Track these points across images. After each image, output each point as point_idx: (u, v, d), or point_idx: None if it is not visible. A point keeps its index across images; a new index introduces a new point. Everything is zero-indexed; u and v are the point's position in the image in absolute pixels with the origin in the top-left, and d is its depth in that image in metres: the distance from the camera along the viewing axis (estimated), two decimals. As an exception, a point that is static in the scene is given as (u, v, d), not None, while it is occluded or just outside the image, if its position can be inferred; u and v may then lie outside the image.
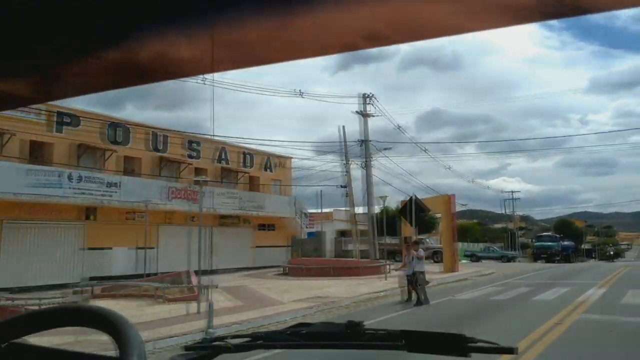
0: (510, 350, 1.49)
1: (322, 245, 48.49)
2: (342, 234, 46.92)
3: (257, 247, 31.55)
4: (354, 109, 33.84)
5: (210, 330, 9.38)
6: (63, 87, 1.10)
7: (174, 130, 28.43)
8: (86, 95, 1.22)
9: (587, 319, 10.54)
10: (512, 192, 67.60)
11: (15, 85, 1.06)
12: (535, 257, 49.16)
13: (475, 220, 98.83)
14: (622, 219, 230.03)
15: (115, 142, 24.58)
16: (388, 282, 20.44)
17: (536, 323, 9.52)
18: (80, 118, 22.78)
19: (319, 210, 50.87)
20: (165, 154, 27.04)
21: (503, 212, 68.15)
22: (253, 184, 32.12)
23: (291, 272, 26.04)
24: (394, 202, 46.74)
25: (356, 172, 38.23)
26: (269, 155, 33.52)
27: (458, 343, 1.52)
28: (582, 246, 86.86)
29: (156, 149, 26.72)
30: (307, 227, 35.47)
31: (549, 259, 47.94)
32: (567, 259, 50.30)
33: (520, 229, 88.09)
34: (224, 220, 29.62)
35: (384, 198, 22.52)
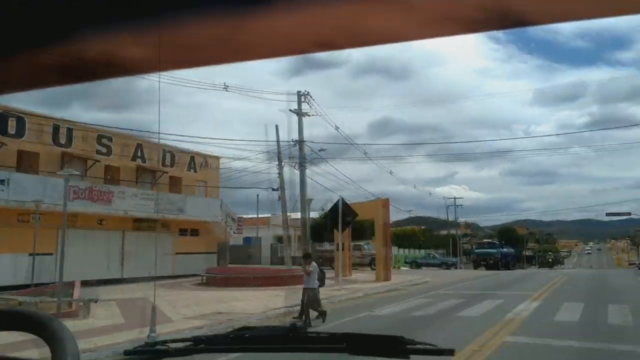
0: (448, 352, 1.58)
1: (258, 252, 46.23)
2: (280, 240, 44.91)
3: (178, 253, 28.86)
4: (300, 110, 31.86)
5: (153, 334, 9.00)
6: (4, 83, 1.09)
7: (80, 123, 25.50)
8: (31, 94, 1.18)
9: (513, 343, 8.74)
10: (455, 198, 66.96)
11: None
12: (476, 264, 48.47)
13: (423, 227, 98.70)
14: (563, 226, 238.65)
15: (5, 134, 21.53)
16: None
17: (450, 350, 7.58)
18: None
19: (255, 215, 48.80)
20: (69, 149, 24.10)
21: (447, 218, 67.44)
22: (175, 185, 29.45)
23: (211, 281, 23.69)
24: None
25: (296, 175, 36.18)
26: (194, 154, 30.91)
27: (398, 345, 1.61)
28: (524, 253, 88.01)
29: (58, 144, 23.76)
30: (235, 233, 33.00)
31: (489, 266, 47.31)
32: (507, 266, 49.85)
33: (466, 235, 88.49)
34: (139, 224, 26.84)
35: (308, 201, 20.40)
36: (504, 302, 14.87)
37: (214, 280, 23.30)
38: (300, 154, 31.99)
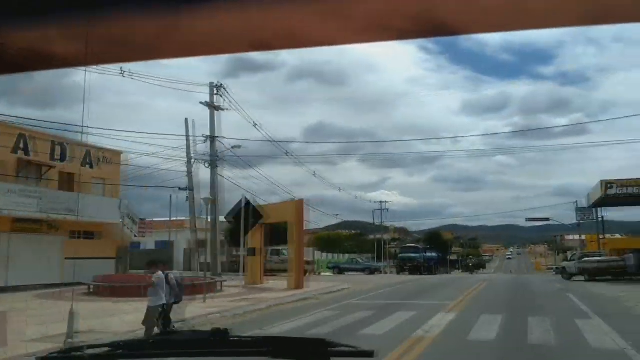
0: (368, 354, 1.57)
1: (172, 257, 42.96)
2: (199, 244, 42.12)
3: (69, 258, 25.49)
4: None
5: (70, 340, 8.45)
6: None
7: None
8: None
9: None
10: (382, 202, 66.29)
11: None
12: (399, 269, 47.58)
13: (354, 231, 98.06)
14: (487, 232, 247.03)
15: None
16: (204, 306, 16.11)
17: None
18: None
19: (170, 218, 45.51)
20: None
21: (376, 223, 66.58)
22: (67, 182, 26.09)
23: (98, 291, 20.72)
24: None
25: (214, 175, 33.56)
26: (91, 148, 27.61)
27: (320, 348, 1.62)
28: (449, 257, 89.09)
29: None
30: (137, 236, 29.92)
31: (413, 271, 46.51)
32: (430, 271, 49.32)
33: (395, 240, 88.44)
34: (21, 225, 23.41)
35: (208, 201, 17.96)
36: (417, 314, 13.19)
37: (101, 290, 20.39)
38: (211, 150, 29.53)
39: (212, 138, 29.02)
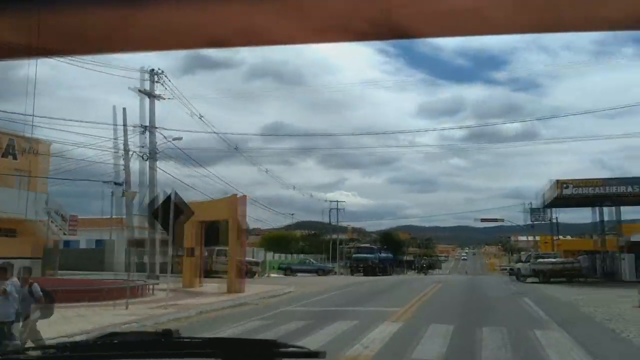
0: (319, 354, 1.56)
1: (111, 257, 40.25)
2: (140, 243, 39.62)
3: (-17, 259, 22.79)
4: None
5: (15, 342, 7.15)
6: None
7: None
8: None
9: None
10: (337, 202, 64.86)
11: None
12: (353, 270, 46.22)
13: (311, 232, 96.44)
14: (442, 232, 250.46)
15: None
16: (120, 315, 14.08)
17: None
18: None
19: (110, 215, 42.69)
20: None
21: (331, 222, 65.09)
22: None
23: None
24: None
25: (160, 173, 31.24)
26: (13, 137, 24.95)
27: (270, 349, 1.62)
28: (404, 257, 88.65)
29: None
30: (66, 234, 27.34)
31: (367, 272, 45.23)
32: (385, 271, 48.17)
33: (352, 240, 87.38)
34: None
35: (129, 194, 15.70)
36: (359, 324, 11.56)
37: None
38: (150, 141, 27.28)
39: (149, 128, 26.75)
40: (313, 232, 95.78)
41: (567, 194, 30.70)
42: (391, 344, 9.15)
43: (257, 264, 34.67)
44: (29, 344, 7.32)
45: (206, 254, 34.41)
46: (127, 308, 15.46)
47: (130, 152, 27.98)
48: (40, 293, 7.81)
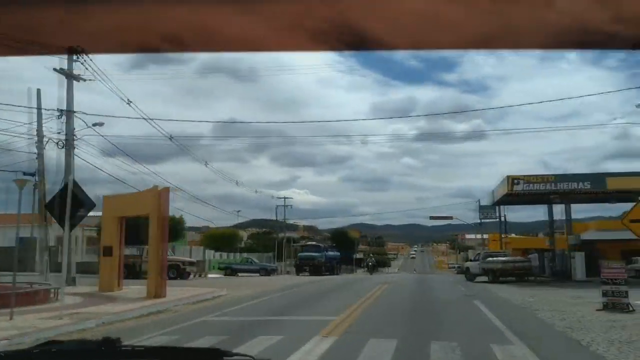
0: None
1: (29, 255, 36.62)
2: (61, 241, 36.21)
3: None
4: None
5: None
6: None
7: None
8: None
9: None
10: (284, 198, 62.59)
11: None
12: (299, 269, 44.10)
13: (264, 230, 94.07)
14: (392, 230, 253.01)
15: None
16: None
17: None
18: None
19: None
20: None
21: (279, 220, 62.73)
22: None
23: None
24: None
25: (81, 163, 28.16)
26: None
27: (214, 357, 1.65)
28: (355, 256, 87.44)
29: None
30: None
31: (313, 271, 43.23)
32: (332, 271, 46.28)
33: (303, 238, 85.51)
34: None
35: (20, 182, 13.02)
36: (284, 340, 9.43)
37: None
38: (67, 127, 24.23)
39: (68, 112, 23.70)
40: (264, 230, 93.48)
41: (517, 190, 29.61)
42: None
43: (192, 263, 32.06)
44: None
45: (137, 252, 31.56)
46: (11, 318, 12.76)
47: (46, 139, 24.97)
48: None
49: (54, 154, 27.94)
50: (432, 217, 64.73)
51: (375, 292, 19.50)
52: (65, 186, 13.25)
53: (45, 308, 15.56)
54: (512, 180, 29.30)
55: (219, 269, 41.64)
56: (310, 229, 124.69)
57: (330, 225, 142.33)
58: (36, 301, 16.12)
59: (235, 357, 1.63)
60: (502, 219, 42.71)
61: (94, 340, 1.63)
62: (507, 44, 1.34)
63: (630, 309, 15.27)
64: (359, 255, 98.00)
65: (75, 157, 24.76)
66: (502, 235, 42.68)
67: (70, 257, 24.50)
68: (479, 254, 35.28)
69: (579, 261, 28.81)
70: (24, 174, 23.39)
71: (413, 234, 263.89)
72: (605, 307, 15.58)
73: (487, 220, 54.49)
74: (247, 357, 1.64)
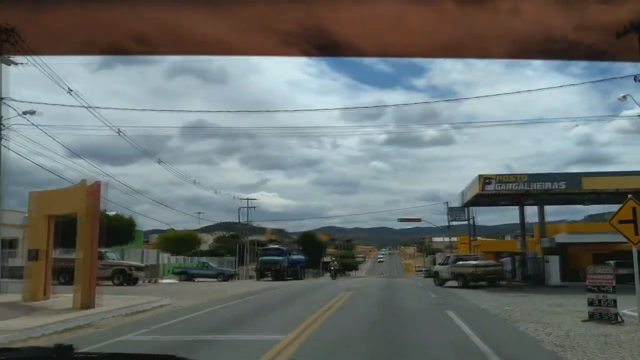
0: None
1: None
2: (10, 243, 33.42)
3: None
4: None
5: None
6: None
7: None
8: None
9: None
10: (247, 199, 60.06)
11: None
12: (260, 274, 41.72)
13: (231, 233, 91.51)
14: (361, 233, 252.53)
15: None
16: None
17: None
18: None
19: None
20: None
21: (240, 222, 60.13)
22: None
23: None
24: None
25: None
26: None
27: None
28: (323, 259, 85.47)
29: None
30: None
31: (276, 276, 40.94)
32: (296, 275, 44.08)
33: (271, 241, 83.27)
34: None
35: None
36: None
37: None
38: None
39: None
40: (231, 233, 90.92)
41: (489, 190, 28.04)
42: None
43: (140, 268, 29.43)
44: None
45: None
46: None
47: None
48: None
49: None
50: (400, 220, 63.24)
51: (337, 301, 17.44)
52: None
53: None
54: (483, 179, 27.72)
55: (174, 273, 38.97)
56: (279, 232, 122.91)
57: (300, 228, 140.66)
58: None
59: None
60: (472, 221, 41.23)
61: (47, 347, 1.55)
62: (474, 52, 1.47)
63: (619, 320, 13.67)
64: (328, 259, 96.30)
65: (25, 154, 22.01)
66: (472, 238, 41.23)
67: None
68: (448, 257, 33.60)
69: (553, 265, 27.39)
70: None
71: (382, 237, 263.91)
72: (592, 317, 13.96)
73: (456, 223, 53.28)
74: None
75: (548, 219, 39.90)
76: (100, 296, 16.12)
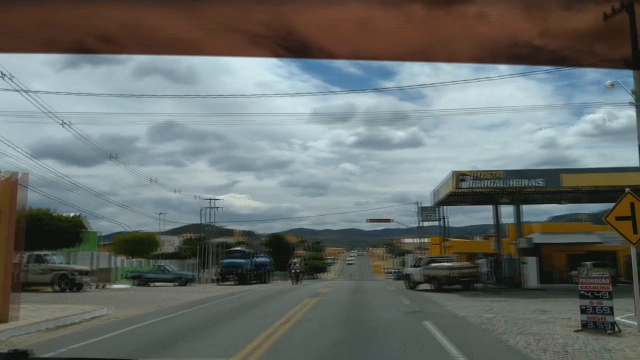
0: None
1: None
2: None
3: None
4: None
5: None
6: None
7: None
8: None
9: None
10: (210, 199, 57.41)
11: None
12: (222, 278, 39.31)
13: (199, 235, 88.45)
14: (331, 235, 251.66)
15: None
16: None
17: None
18: None
19: None
20: None
21: (201, 222, 57.46)
22: None
23: None
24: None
25: None
26: None
27: None
28: (292, 260, 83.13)
29: None
30: None
31: (240, 280, 38.62)
32: (261, 279, 41.82)
33: (240, 243, 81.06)
34: None
35: None
36: None
37: None
38: None
39: None
40: (199, 235, 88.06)
41: (464, 188, 26.37)
42: None
43: (85, 272, 26.75)
44: None
45: (17, 260, 25.96)
46: None
47: None
48: None
49: None
50: (370, 220, 61.64)
51: (299, 311, 15.33)
52: None
53: None
54: (458, 176, 26.01)
55: (128, 278, 36.23)
56: (248, 234, 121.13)
57: (270, 230, 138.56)
58: None
59: None
60: (444, 221, 39.67)
61: (3, 352, 1.51)
62: (442, 56, 1.47)
63: (616, 329, 12.07)
64: (297, 261, 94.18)
65: None
66: (444, 239, 39.66)
67: None
68: (421, 258, 31.87)
69: (531, 267, 25.88)
70: None
71: (352, 239, 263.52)
72: (585, 327, 12.36)
73: (428, 224, 51.86)
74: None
75: (512, 219, 38.78)
76: (17, 306, 13.63)
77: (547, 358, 8.94)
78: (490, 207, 35.21)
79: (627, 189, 12.80)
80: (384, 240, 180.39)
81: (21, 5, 0.86)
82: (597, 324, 12.19)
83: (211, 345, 9.39)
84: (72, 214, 37.68)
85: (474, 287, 26.71)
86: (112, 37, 0.98)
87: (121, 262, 41.42)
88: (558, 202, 30.39)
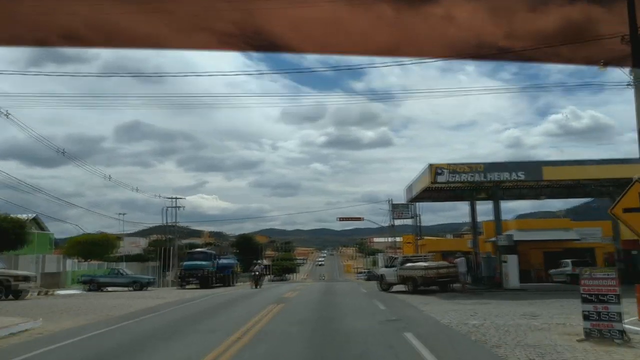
0: None
1: None
2: None
3: None
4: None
5: None
6: None
7: None
8: None
9: None
10: (172, 198, 54.65)
11: None
12: (184, 281, 36.81)
13: (168, 236, 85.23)
14: (301, 235, 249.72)
15: None
16: None
17: None
18: None
19: None
20: None
21: (165, 223, 54.67)
22: None
23: None
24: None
25: None
26: None
27: None
28: (262, 262, 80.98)
29: None
30: None
31: (202, 283, 36.21)
32: (226, 282, 39.46)
33: (208, 244, 78.40)
34: None
35: None
36: None
37: None
38: None
39: None
40: (167, 236, 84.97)
41: (441, 182, 24.68)
42: None
43: (26, 278, 24.05)
44: None
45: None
46: None
47: None
48: None
49: None
50: (340, 219, 59.85)
51: (258, 322, 13.17)
52: None
53: None
54: (435, 169, 24.28)
55: (79, 281, 33.43)
56: (217, 235, 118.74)
57: (240, 231, 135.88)
58: None
59: None
60: (418, 218, 38.01)
61: None
62: (410, 54, 3.81)
63: (626, 338, 10.40)
64: (266, 262, 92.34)
65: None
66: (418, 237, 38.01)
67: None
68: (395, 258, 30.07)
69: (512, 266, 24.30)
70: None
71: (322, 239, 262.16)
72: (589, 335, 10.67)
73: (400, 222, 50.27)
74: None
75: (485, 217, 37.50)
76: None
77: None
78: (459, 205, 33.97)
79: (636, 177, 11.12)
80: (354, 240, 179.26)
81: None
82: (603, 332, 10.54)
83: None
84: (25, 216, 34.83)
85: (451, 288, 25.04)
86: (77, 33, 0.93)
87: (72, 265, 38.44)
88: (537, 197, 29.01)
